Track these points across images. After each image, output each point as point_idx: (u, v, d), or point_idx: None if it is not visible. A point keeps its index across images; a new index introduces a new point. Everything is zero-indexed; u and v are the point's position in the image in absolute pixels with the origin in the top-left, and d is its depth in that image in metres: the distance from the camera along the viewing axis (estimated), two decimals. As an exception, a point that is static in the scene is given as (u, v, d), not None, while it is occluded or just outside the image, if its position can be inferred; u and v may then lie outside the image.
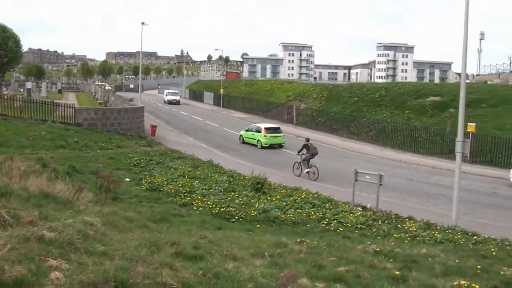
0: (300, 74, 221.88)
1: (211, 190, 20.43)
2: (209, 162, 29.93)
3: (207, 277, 7.08)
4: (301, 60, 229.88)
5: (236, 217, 16.10)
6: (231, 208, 16.93)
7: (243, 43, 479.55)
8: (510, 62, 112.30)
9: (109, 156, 28.28)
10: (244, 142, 43.72)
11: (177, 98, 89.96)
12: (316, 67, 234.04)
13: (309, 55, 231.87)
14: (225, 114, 71.22)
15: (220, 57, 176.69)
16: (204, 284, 6.76)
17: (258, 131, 42.50)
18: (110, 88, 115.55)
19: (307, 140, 30.68)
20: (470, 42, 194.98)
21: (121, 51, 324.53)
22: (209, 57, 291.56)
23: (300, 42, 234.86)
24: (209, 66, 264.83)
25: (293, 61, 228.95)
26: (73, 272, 5.82)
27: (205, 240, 10.27)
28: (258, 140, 42.09)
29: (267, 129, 42.43)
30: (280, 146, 42.29)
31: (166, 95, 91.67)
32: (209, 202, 17.76)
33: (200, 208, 17.02)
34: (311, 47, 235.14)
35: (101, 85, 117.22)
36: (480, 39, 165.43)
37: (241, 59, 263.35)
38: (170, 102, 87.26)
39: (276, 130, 43.14)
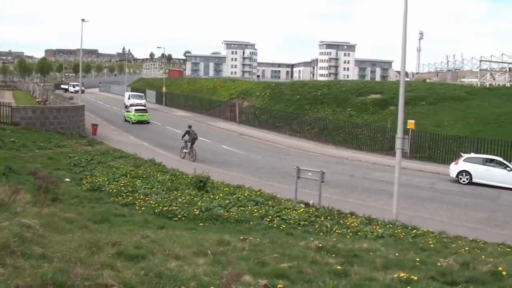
0: (243, 72, 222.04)
1: (153, 189, 20.18)
2: (151, 161, 29.59)
3: (149, 276, 7.01)
4: (244, 58, 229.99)
5: (179, 216, 15.95)
6: (173, 207, 16.77)
7: (186, 40, 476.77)
8: (448, 61, 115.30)
9: (48, 156, 27.56)
10: (126, 120, 57.41)
11: (143, 102, 71.70)
12: (259, 65, 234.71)
13: (252, 53, 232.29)
14: (167, 112, 70.69)
15: (163, 55, 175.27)
16: (146, 284, 6.69)
17: (131, 112, 57.39)
18: (82, 88, 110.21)
19: (190, 127, 35.47)
20: (410, 41, 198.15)
21: (60, 48, 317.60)
22: (152, 55, 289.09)
23: (243, 40, 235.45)
24: (151, 64, 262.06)
25: (236, 59, 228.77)
26: (8, 277, 5.66)
27: (147, 240, 10.16)
28: (130, 117, 56.47)
29: (136, 109, 57.52)
30: (147, 122, 56.47)
31: (129, 98, 73.25)
32: (151, 202, 17.54)
33: (143, 208, 16.79)
34: (254, 45, 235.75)
35: (74, 85, 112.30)
36: (419, 39, 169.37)
37: (184, 57, 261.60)
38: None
39: (143, 110, 58.15)
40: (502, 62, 78.61)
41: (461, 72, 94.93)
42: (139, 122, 55.30)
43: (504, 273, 9.26)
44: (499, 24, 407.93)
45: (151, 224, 14.12)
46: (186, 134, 34.37)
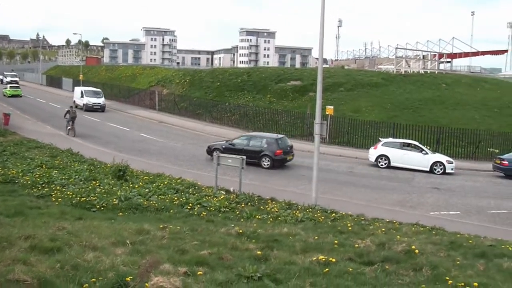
0: (163, 59, 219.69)
1: (71, 180, 19.60)
2: (68, 151, 28.77)
3: (65, 269, 6.87)
4: (163, 45, 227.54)
5: (98, 206, 15.58)
6: (92, 197, 16.35)
7: (104, 27, 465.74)
8: (366, 48, 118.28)
9: (-45, 149, 26.29)
10: (4, 95, 67.68)
11: (101, 101, 58.06)
12: (179, 52, 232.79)
13: (172, 40, 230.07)
14: (85, 101, 68.78)
15: (80, 42, 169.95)
16: (61, 277, 6.54)
17: (7, 88, 70.70)
18: (17, 79, 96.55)
19: (71, 107, 40.99)
20: (329, 28, 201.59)
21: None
22: (68, 41, 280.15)
23: (163, 27, 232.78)
24: (67, 51, 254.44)
25: (155, 46, 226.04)
26: None
27: (63, 232, 9.90)
28: (6, 92, 68.39)
29: (10, 86, 72.15)
30: (19, 96, 68.64)
31: (83, 96, 57.88)
32: (68, 192, 17.04)
33: (59, 199, 16.27)
34: (174, 32, 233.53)
35: (6, 75, 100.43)
36: (338, 26, 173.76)
37: (101, 44, 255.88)
38: (90, 109, 56.06)
39: (16, 86, 72.63)
40: (416, 50, 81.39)
41: (378, 59, 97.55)
42: (13, 96, 67.49)
43: (416, 251, 9.67)
44: (415, 12, 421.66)
45: (68, 215, 13.71)
46: (67, 113, 38.83)
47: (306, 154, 33.60)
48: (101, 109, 56.75)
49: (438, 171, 31.00)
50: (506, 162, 31.38)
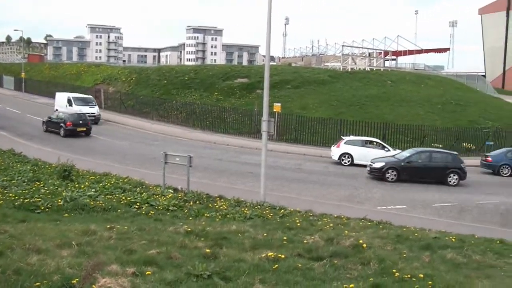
0: (109, 57, 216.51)
1: (13, 181, 18.97)
2: (10, 151, 27.93)
3: (6, 274, 6.62)
4: (109, 42, 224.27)
5: (42, 208, 15.12)
6: (36, 199, 15.87)
7: (47, 23, 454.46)
8: (312, 46, 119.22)
9: None
10: None
11: (95, 110, 47.11)
12: (125, 50, 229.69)
13: (118, 37, 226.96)
14: (27, 99, 67.01)
15: (21, 38, 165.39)
16: (2, 282, 6.31)
17: None
18: None
19: None
20: (276, 26, 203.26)
21: None
22: (8, 38, 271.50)
23: (108, 24, 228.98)
24: (8, 48, 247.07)
25: (101, 43, 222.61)
26: None
27: (5, 235, 9.57)
28: None
29: None
30: None
31: (70, 105, 46.76)
32: (11, 194, 16.45)
33: (1, 201, 15.71)
34: (119, 29, 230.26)
35: None
36: (285, 24, 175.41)
37: (45, 41, 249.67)
38: None
39: None
40: (362, 48, 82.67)
41: (325, 56, 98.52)
42: None
43: (364, 245, 9.82)
44: (361, 10, 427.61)
45: (10, 218, 13.27)
46: None
47: (254, 151, 33.70)
48: (95, 121, 45.30)
49: None
50: (490, 159, 32.30)
